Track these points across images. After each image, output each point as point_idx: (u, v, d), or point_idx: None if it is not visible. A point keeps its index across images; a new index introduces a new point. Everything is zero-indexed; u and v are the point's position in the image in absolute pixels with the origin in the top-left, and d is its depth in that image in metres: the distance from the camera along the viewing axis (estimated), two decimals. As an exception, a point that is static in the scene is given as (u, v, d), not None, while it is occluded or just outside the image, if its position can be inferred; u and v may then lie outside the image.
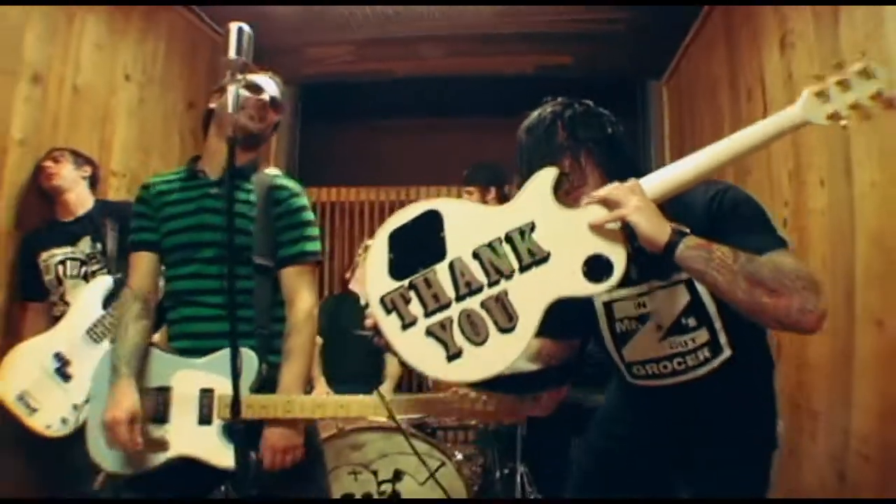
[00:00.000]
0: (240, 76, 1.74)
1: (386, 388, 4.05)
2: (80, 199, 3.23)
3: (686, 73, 4.67)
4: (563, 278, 1.57)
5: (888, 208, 2.14)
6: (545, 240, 1.59)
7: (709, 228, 1.57)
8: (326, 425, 3.11)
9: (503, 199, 4.42)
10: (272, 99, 2.27)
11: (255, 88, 2.23)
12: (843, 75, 1.53)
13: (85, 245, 3.14)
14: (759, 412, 1.88)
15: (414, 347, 1.62)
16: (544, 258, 1.59)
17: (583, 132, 1.74)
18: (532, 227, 1.61)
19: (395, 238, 1.66)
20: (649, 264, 1.70)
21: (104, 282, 3.06)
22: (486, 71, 5.66)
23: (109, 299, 3.00)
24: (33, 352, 2.95)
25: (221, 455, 1.99)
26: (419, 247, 1.64)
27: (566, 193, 1.67)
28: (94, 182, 3.34)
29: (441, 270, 1.62)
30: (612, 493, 2.01)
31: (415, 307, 1.62)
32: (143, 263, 2.24)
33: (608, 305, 1.87)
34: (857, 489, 2.28)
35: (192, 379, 2.07)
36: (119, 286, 2.89)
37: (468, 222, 1.65)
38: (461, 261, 1.62)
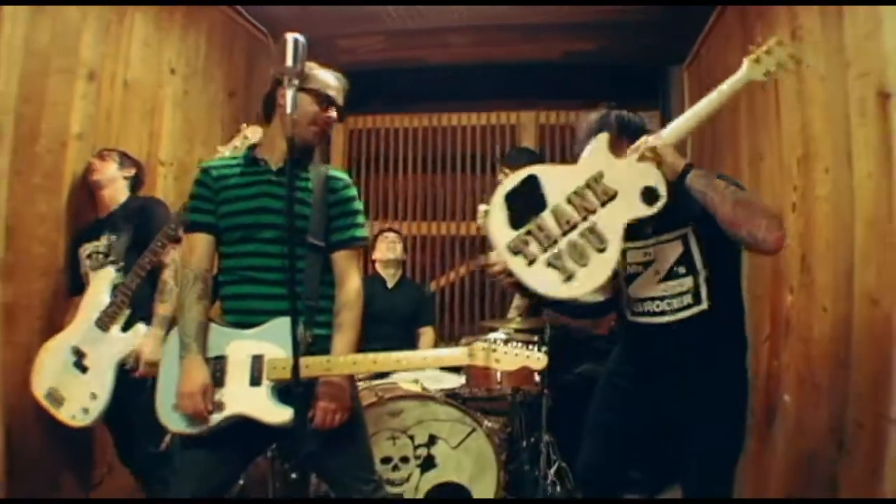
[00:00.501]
0: (296, 81, 1.94)
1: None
2: (113, 197, 3.36)
3: (706, 61, 4.78)
4: (630, 206, 2.19)
5: (881, 198, 2.27)
6: (612, 182, 2.21)
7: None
8: (367, 394, 3.33)
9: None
10: (339, 111, 2.43)
11: (326, 104, 2.39)
12: (767, 46, 2.23)
13: (105, 238, 3.27)
14: (733, 369, 2.37)
15: (539, 277, 2.17)
16: (615, 195, 2.20)
17: (624, 122, 2.41)
18: (601, 174, 2.21)
19: (509, 199, 2.21)
20: (659, 224, 2.32)
21: (109, 273, 3.15)
22: (513, 58, 5.81)
23: (115, 289, 3.09)
24: (56, 348, 3.09)
25: (270, 412, 2.23)
26: (527, 203, 2.18)
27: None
28: (136, 183, 3.46)
29: (547, 216, 2.19)
30: (614, 441, 2.52)
31: (533, 247, 2.17)
32: (201, 244, 2.40)
33: (623, 252, 2.33)
34: (852, 456, 2.42)
35: (244, 347, 2.30)
36: (124, 275, 3.08)
37: (557, 179, 2.23)
38: (559, 206, 2.19)
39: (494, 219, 2.17)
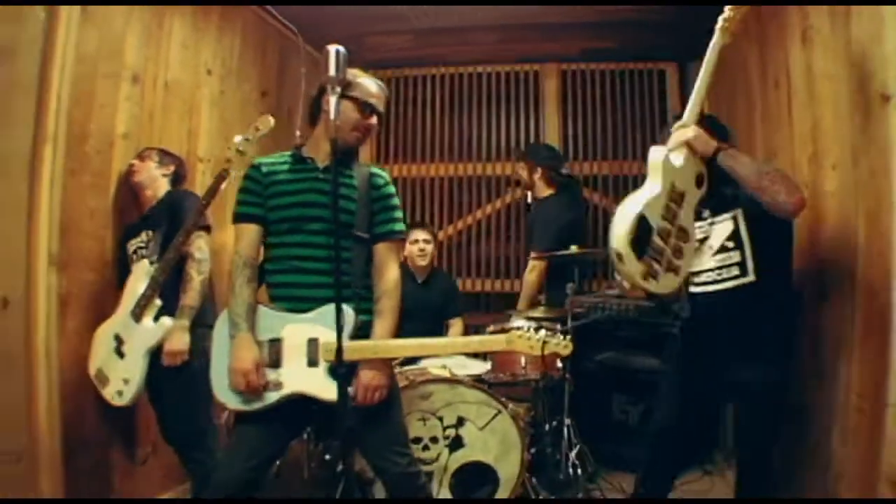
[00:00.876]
0: (338, 89, 2.13)
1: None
2: (155, 195, 3.49)
3: (722, 57, 4.88)
4: (692, 195, 2.64)
5: (882, 195, 2.39)
6: (680, 185, 2.60)
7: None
8: (399, 378, 3.36)
9: (550, 178, 4.89)
10: (379, 118, 2.64)
11: (368, 112, 2.59)
12: (726, 15, 2.69)
13: (145, 234, 3.40)
14: (772, 335, 2.71)
15: (664, 285, 2.55)
16: (684, 193, 2.61)
17: None
18: (673, 184, 2.58)
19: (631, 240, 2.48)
20: (714, 206, 2.78)
21: (144, 266, 3.27)
22: (535, 55, 6.00)
23: (149, 282, 3.20)
24: (104, 333, 3.29)
25: (328, 390, 2.40)
26: (641, 236, 2.48)
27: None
28: (177, 178, 3.60)
29: (656, 238, 2.51)
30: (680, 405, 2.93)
31: (655, 265, 2.51)
32: (250, 233, 2.60)
33: None
34: (854, 440, 2.56)
35: (299, 331, 2.48)
36: (157, 268, 3.19)
37: (651, 205, 2.52)
38: (660, 226, 2.52)
39: (627, 261, 2.47)
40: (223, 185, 3.21)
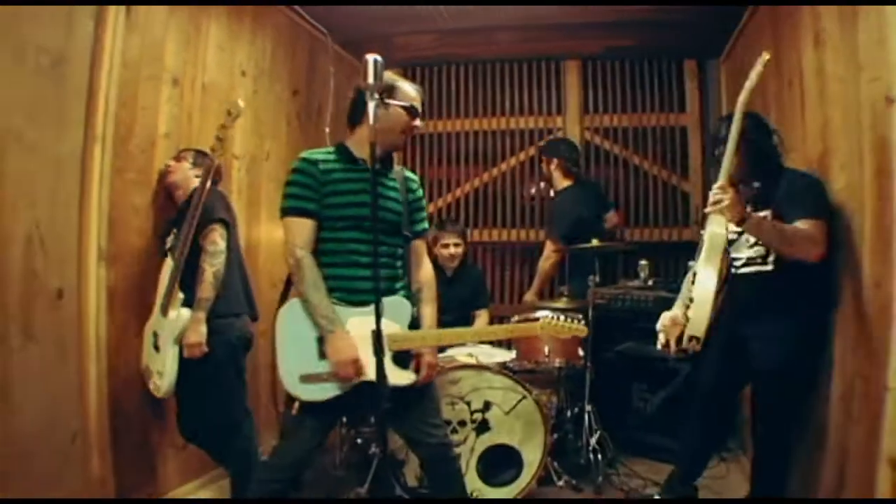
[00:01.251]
0: (376, 95, 2.29)
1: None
2: (186, 194, 3.53)
3: (740, 56, 4.92)
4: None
5: (885, 194, 2.50)
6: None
7: (786, 199, 2.99)
8: None
9: (566, 169, 5.11)
10: (420, 119, 2.81)
11: (413, 114, 2.77)
12: (755, 74, 2.97)
13: (175, 232, 3.48)
14: (788, 323, 3.00)
15: None
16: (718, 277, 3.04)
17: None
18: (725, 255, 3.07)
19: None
20: (755, 202, 3.11)
21: (168, 263, 3.38)
22: (558, 53, 6.17)
23: (169, 277, 3.31)
24: (147, 329, 3.45)
25: (398, 377, 2.63)
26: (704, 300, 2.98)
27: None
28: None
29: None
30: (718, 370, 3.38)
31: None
32: (308, 227, 2.69)
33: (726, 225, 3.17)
34: (857, 423, 2.67)
35: (363, 323, 2.56)
36: (175, 263, 3.30)
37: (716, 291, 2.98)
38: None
39: (700, 343, 2.98)
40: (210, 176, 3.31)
